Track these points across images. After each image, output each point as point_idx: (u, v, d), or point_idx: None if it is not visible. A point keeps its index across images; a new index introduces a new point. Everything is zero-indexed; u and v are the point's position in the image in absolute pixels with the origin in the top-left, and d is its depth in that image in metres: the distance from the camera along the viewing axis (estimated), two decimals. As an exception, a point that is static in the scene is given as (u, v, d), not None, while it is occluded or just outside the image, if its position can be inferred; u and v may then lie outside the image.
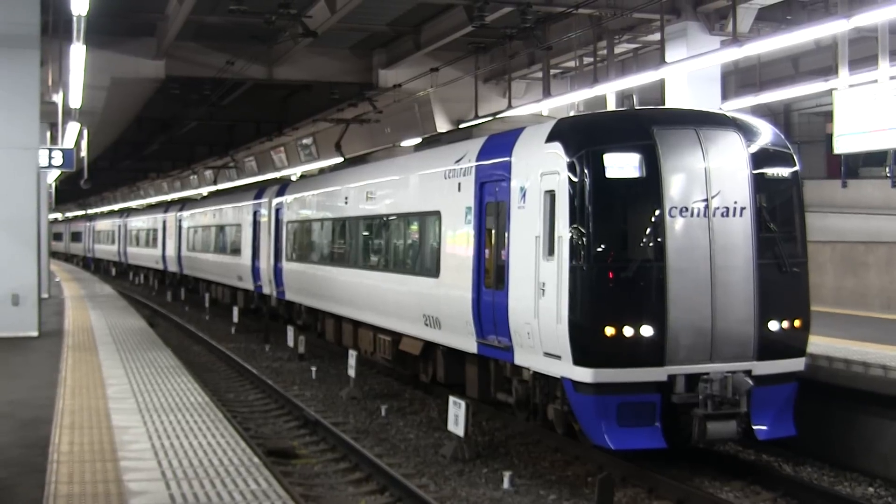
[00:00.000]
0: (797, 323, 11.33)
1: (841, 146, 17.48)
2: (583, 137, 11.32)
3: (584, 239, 10.80)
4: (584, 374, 10.72)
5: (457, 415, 12.24)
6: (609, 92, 21.53)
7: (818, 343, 12.81)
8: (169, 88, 29.92)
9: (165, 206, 46.22)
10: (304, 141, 37.97)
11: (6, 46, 18.68)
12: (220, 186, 45.98)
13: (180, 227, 39.66)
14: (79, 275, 51.80)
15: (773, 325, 11.13)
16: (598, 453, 11.71)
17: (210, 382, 18.22)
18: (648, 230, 10.89)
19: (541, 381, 12.02)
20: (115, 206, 77.58)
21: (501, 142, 13.15)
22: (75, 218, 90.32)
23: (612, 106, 22.02)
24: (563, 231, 11.00)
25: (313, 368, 19.48)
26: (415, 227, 15.96)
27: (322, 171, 31.79)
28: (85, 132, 29.55)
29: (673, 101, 20.41)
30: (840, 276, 20.29)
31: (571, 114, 21.79)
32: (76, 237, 79.17)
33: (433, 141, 17.79)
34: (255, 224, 27.56)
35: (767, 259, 11.17)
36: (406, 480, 10.90)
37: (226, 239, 31.81)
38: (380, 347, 17.49)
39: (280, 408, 16.07)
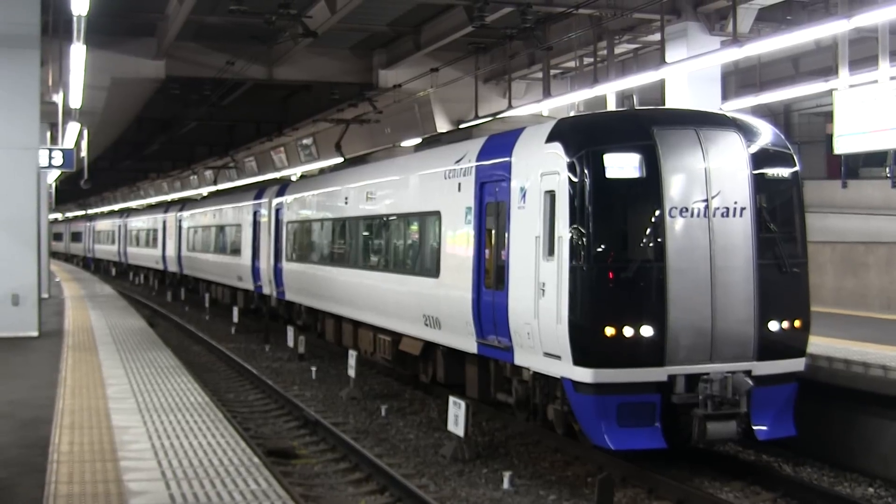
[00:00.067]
0: (797, 323, 11.33)
1: (841, 146, 17.48)
2: (583, 138, 11.32)
3: (584, 239, 10.80)
4: (584, 375, 10.72)
5: (457, 415, 12.24)
6: (609, 92, 21.53)
7: (818, 343, 12.81)
8: (169, 88, 29.93)
9: (165, 207, 46.22)
10: (304, 141, 37.97)
11: (6, 46, 18.68)
12: (221, 186, 46.00)
13: (180, 228, 39.67)
14: (79, 275, 51.80)
15: (774, 326, 11.13)
16: (598, 453, 11.71)
17: (210, 382, 18.22)
18: (648, 230, 10.89)
19: (541, 382, 12.02)
20: (115, 207, 77.60)
21: (501, 142, 13.15)
22: (75, 218, 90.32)
23: (612, 106, 22.02)
24: (563, 231, 11.00)
25: (313, 368, 19.48)
26: (415, 227, 15.96)
27: (322, 171, 31.79)
28: (85, 132, 29.55)
29: (673, 101, 20.41)
30: (840, 276, 20.29)
31: (571, 114, 21.78)
32: (76, 237, 79.18)
33: (433, 141, 17.79)
34: (255, 224, 27.56)
35: (767, 259, 11.17)
36: (406, 480, 10.90)
37: (226, 239, 31.82)
38: (380, 347, 17.49)
39: (280, 408, 16.07)
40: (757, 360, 11.04)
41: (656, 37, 20.59)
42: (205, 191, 50.72)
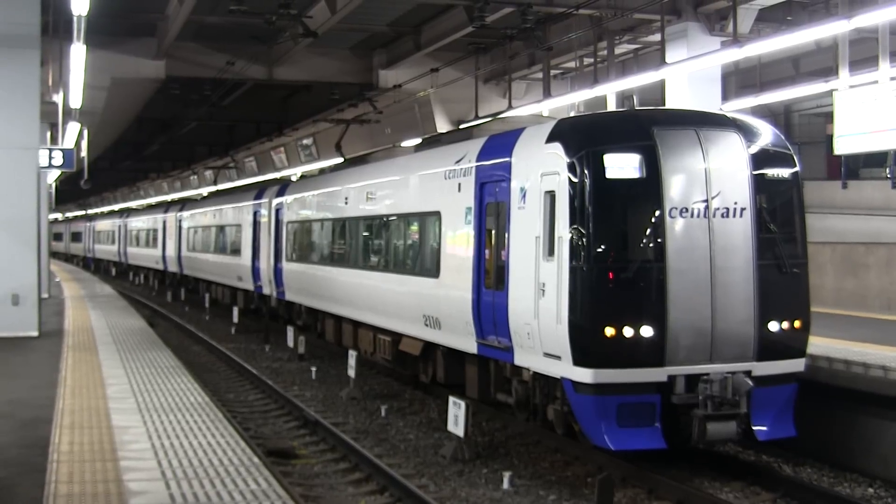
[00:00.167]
0: (797, 324, 11.33)
1: (841, 147, 17.47)
2: (583, 138, 11.33)
3: (585, 239, 10.80)
4: (584, 375, 10.72)
5: (457, 415, 12.24)
6: (609, 92, 21.52)
7: (818, 344, 12.81)
8: (169, 88, 29.91)
9: (165, 207, 46.23)
10: (305, 141, 37.97)
11: (6, 46, 18.68)
12: (221, 187, 46.00)
13: (180, 228, 39.67)
14: (79, 275, 51.80)
15: (773, 326, 11.13)
16: (598, 454, 11.71)
17: (210, 382, 18.23)
18: (648, 231, 10.90)
19: (541, 382, 12.02)
20: (115, 207, 77.59)
21: (501, 142, 13.15)
22: (75, 218, 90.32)
23: (612, 106, 22.02)
24: (564, 231, 11.00)
25: (313, 369, 19.48)
26: (415, 227, 15.96)
27: (322, 171, 31.79)
28: (85, 132, 29.52)
29: (673, 101, 20.40)
30: (840, 277, 20.30)
31: (572, 114, 21.79)
32: (76, 237, 79.19)
33: (433, 141, 17.80)
34: (255, 224, 27.56)
35: (767, 260, 11.17)
36: (406, 481, 10.90)
37: (226, 239, 31.82)
38: (380, 348, 17.49)
39: (280, 408, 16.07)
40: (757, 361, 11.04)
41: (656, 37, 20.59)
42: (205, 191, 50.72)
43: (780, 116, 35.21)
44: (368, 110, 27.70)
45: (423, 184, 15.73)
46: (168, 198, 60.61)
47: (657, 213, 10.86)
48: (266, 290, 26.36)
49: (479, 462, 12.28)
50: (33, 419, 11.32)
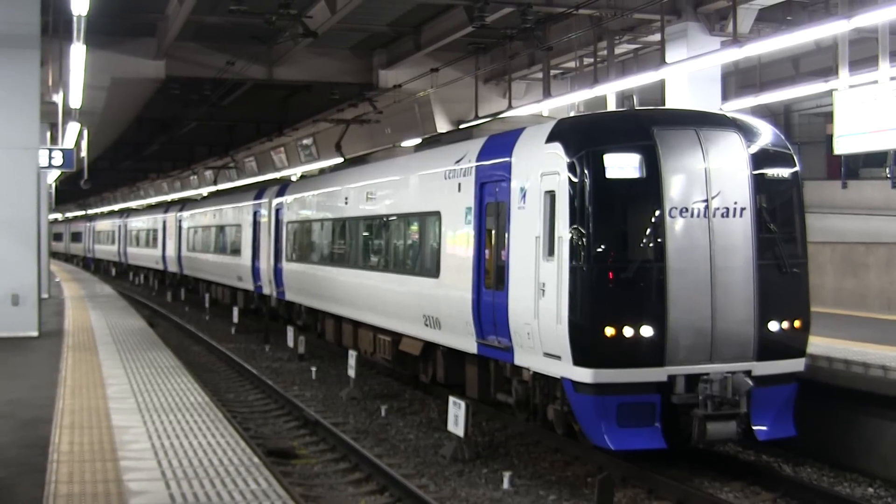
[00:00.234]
0: (797, 323, 11.33)
1: (841, 147, 17.48)
2: (583, 138, 11.33)
3: (584, 239, 10.80)
4: (584, 375, 10.72)
5: (457, 415, 12.24)
6: (609, 92, 21.52)
7: (818, 344, 12.81)
8: (169, 88, 29.91)
9: (165, 207, 46.23)
10: (305, 141, 37.97)
11: (6, 46, 18.68)
12: (221, 187, 46.00)
13: (180, 228, 39.67)
14: (79, 275, 51.80)
15: (773, 326, 11.13)
16: (598, 454, 11.71)
17: (210, 383, 18.23)
18: (648, 231, 10.90)
19: (541, 382, 12.02)
20: (115, 207, 77.59)
21: (501, 142, 13.15)
22: (75, 218, 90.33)
23: (612, 106, 22.02)
24: (564, 231, 11.00)
25: (313, 369, 19.48)
26: (415, 227, 15.96)
27: (322, 171, 31.79)
28: (85, 132, 29.53)
29: (673, 101, 20.41)
30: (840, 276, 20.30)
31: (572, 114, 21.78)
32: (76, 237, 79.18)
33: (433, 141, 17.80)
34: (255, 224, 27.56)
35: (767, 260, 11.17)
36: (406, 481, 10.90)
37: (226, 239, 31.82)
38: (380, 348, 17.49)
39: (280, 408, 16.07)
40: (757, 361, 11.04)
41: (656, 37, 20.59)
42: (205, 191, 50.72)
43: (780, 116, 35.21)
44: (368, 110, 27.71)
45: (422, 184, 15.73)
46: (168, 198, 60.62)
47: (657, 212, 10.86)
48: (266, 290, 26.36)
49: (479, 462, 12.28)
50: (33, 419, 11.32)
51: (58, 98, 23.75)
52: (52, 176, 34.25)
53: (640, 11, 19.61)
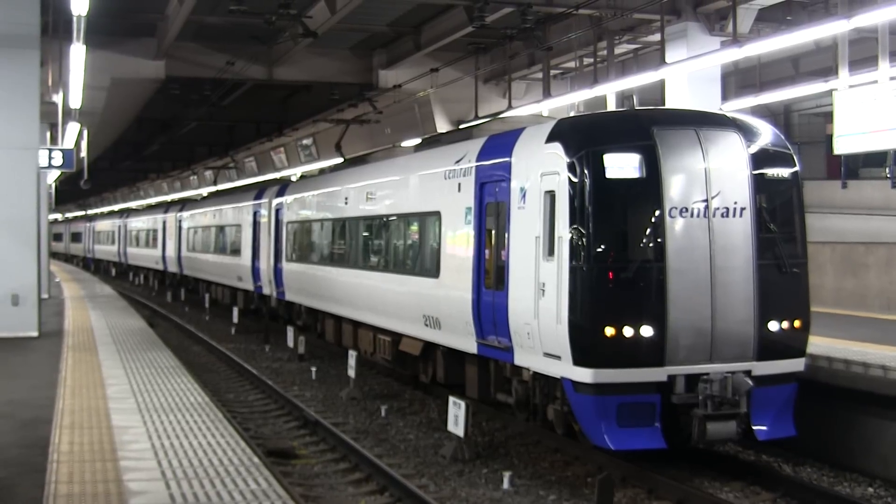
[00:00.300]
0: (797, 323, 11.33)
1: (841, 147, 17.48)
2: (583, 138, 11.33)
3: (584, 239, 10.80)
4: (584, 375, 10.72)
5: (457, 415, 12.24)
6: (609, 92, 21.53)
7: (818, 343, 12.81)
8: (169, 89, 29.91)
9: (165, 207, 46.23)
10: (304, 141, 37.97)
11: (6, 46, 18.68)
12: (220, 187, 46.00)
13: (180, 228, 39.67)
14: (79, 275, 51.80)
15: (773, 326, 11.13)
16: (598, 454, 11.71)
17: (210, 383, 18.22)
18: (648, 231, 10.90)
19: (541, 382, 12.02)
20: (115, 207, 77.59)
21: (501, 142, 13.15)
22: (75, 218, 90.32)
23: (612, 106, 22.02)
24: (563, 231, 11.00)
25: (313, 369, 19.48)
26: (415, 227, 15.96)
27: (322, 171, 31.80)
28: (85, 132, 29.54)
29: (673, 101, 20.41)
30: (840, 276, 20.30)
31: (571, 114, 21.78)
32: (76, 238, 79.18)
33: (433, 141, 17.79)
34: (255, 224, 27.56)
35: (767, 259, 11.17)
36: (406, 481, 10.90)
37: (226, 239, 31.82)
38: (380, 348, 17.49)
39: (280, 408, 16.07)
40: (757, 361, 11.04)
41: (656, 37, 20.59)
42: (205, 191, 50.72)
43: (779, 116, 35.21)
44: (368, 110, 27.71)
45: (422, 184, 15.73)
46: (168, 198, 60.62)
47: (657, 212, 10.86)
48: (266, 291, 26.36)
49: (479, 462, 12.28)
50: (33, 419, 11.32)
51: (58, 98, 23.75)
52: (52, 176, 34.25)
53: (640, 11, 19.62)
